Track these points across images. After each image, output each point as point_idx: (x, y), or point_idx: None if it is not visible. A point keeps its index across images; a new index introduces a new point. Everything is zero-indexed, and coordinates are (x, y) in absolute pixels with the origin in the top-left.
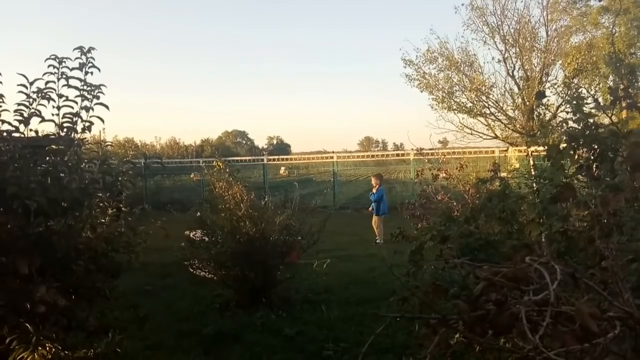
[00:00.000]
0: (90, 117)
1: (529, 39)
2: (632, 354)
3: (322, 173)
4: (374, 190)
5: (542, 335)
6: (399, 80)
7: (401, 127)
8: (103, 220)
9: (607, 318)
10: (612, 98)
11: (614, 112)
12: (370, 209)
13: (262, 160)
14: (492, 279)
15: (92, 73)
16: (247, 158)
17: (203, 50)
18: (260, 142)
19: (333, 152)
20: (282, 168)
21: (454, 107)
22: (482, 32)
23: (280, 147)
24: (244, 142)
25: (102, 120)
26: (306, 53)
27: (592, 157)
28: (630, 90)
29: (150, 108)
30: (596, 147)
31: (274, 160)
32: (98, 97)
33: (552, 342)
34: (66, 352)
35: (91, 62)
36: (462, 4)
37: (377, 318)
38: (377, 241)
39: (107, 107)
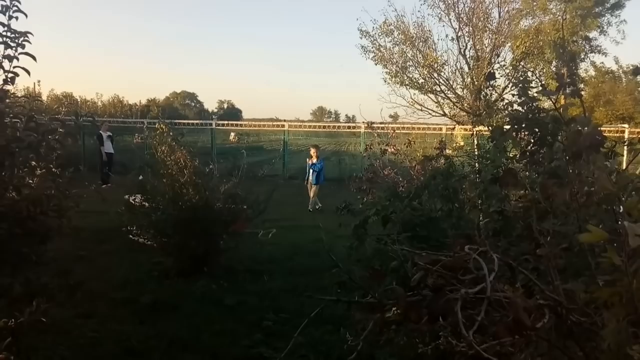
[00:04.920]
0: (14, 67)
1: (482, 19)
2: (556, 336)
3: (273, 141)
4: (314, 161)
5: (475, 330)
6: (355, 51)
7: (354, 99)
8: (30, 182)
9: (538, 305)
10: (557, 84)
11: (557, 99)
12: (310, 179)
13: (211, 124)
14: (430, 268)
15: (17, 18)
16: (195, 121)
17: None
18: (211, 106)
19: (285, 120)
20: (232, 134)
21: (407, 82)
22: (438, 8)
23: (231, 112)
24: (193, 104)
25: (28, 72)
26: (263, 19)
27: (532, 141)
28: (574, 77)
29: (93, 63)
30: (537, 130)
31: (223, 125)
32: (23, 46)
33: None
34: None
35: (16, 6)
36: None
37: (319, 289)
38: (310, 208)
39: (33, 57)
